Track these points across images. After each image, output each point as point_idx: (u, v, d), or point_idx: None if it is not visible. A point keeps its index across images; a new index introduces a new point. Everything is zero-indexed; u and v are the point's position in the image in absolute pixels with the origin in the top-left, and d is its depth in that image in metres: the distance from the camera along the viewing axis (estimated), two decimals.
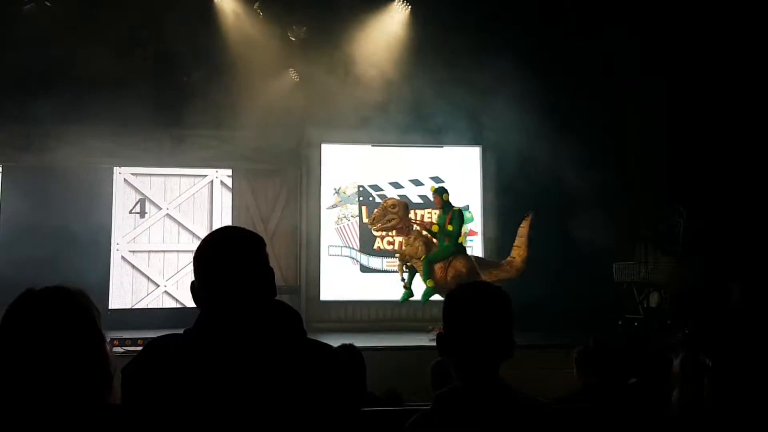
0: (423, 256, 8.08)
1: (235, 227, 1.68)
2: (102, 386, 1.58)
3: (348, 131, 9.77)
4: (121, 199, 9.64)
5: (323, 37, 9.13)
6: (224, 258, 1.56)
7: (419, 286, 8.21)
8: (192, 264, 1.61)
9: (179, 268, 9.67)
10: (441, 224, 8.18)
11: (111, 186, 9.55)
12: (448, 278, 7.98)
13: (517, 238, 8.40)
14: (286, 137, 9.72)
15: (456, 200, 10.25)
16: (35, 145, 9.24)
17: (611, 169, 9.33)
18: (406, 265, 8.27)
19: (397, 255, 8.54)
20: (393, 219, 8.18)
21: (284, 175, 9.98)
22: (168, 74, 8.72)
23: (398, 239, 10.01)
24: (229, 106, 8.85)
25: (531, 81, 8.73)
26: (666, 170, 9.14)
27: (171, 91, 8.84)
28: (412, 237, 8.23)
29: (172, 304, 9.52)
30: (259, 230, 7.82)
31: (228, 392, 1.45)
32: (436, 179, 10.18)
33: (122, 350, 6.25)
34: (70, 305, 1.61)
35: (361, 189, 10.12)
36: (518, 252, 8.35)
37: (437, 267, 8.07)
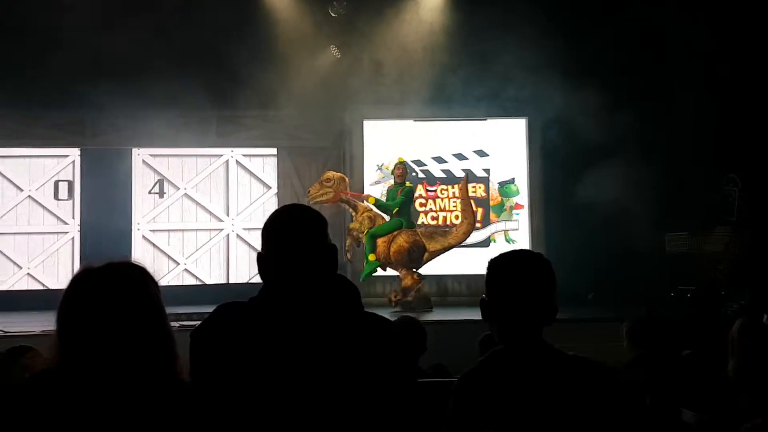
0: (366, 231, 8.14)
1: (301, 205, 1.81)
2: (167, 362, 1.60)
3: (390, 107, 9.73)
4: (141, 180, 9.88)
5: (364, 13, 9.08)
6: (290, 232, 1.66)
7: None
8: (261, 237, 1.71)
9: (198, 247, 9.92)
10: (391, 198, 8.32)
11: (130, 167, 9.78)
12: (391, 253, 8.11)
13: (459, 202, 8.45)
14: (328, 115, 9.73)
15: (502, 173, 10.17)
16: (87, 130, 9.54)
17: (662, 137, 9.08)
18: (358, 241, 8.37)
19: (346, 230, 8.64)
20: (327, 193, 8.24)
21: (327, 152, 10.01)
22: (213, 57, 8.78)
23: (442, 214, 10.02)
24: (272, 85, 8.89)
25: (578, 51, 8.54)
26: (719, 138, 8.85)
27: (216, 73, 8.92)
28: (359, 212, 8.34)
29: (192, 281, 9.78)
30: None
31: (288, 358, 1.54)
32: (480, 153, 10.08)
33: (177, 325, 6.41)
34: (127, 283, 1.65)
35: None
36: (464, 215, 8.47)
37: (380, 241, 8.16)
